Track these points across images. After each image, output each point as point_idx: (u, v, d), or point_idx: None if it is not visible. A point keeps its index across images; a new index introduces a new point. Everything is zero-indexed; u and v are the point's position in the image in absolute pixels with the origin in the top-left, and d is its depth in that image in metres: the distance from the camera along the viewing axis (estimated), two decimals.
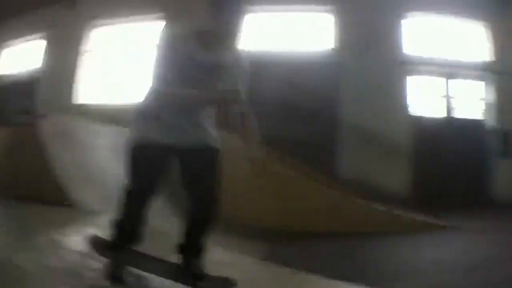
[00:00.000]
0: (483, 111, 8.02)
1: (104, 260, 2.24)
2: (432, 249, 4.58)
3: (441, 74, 7.86)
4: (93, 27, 8.45)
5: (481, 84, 8.00)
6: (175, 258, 2.26)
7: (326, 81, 7.20)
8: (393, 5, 7.55)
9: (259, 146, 2.27)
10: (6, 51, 9.41)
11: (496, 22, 7.74)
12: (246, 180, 4.99)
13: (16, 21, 8.68)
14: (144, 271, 2.26)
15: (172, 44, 2.04)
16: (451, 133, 7.73)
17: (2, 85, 9.06)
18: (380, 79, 7.29)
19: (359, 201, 5.51)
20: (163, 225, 3.61)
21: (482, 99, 8.03)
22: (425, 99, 7.90)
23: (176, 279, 2.22)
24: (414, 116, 7.65)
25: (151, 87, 2.10)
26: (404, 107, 7.53)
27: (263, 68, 6.56)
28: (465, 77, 7.97)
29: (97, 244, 2.41)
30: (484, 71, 7.85)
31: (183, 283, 2.19)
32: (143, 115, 2.12)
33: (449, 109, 7.94)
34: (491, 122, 7.89)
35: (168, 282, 2.25)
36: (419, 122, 7.66)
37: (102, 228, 2.86)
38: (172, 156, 2.12)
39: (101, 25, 8.44)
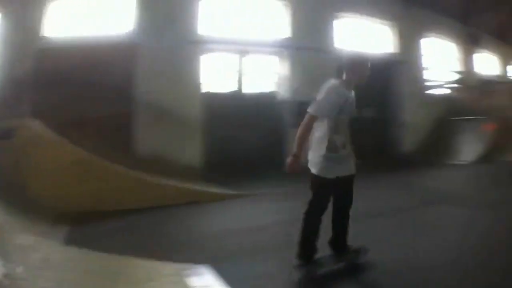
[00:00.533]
0: (276, 84, 8.92)
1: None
2: (225, 217, 5.13)
3: (236, 52, 8.51)
4: None
5: (275, 59, 8.92)
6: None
7: (123, 62, 7.24)
8: None
9: None
10: None
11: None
12: (48, 164, 5.20)
13: None
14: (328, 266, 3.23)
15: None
16: (243, 106, 8.37)
17: None
18: (175, 58, 7.59)
19: (153, 178, 5.83)
20: None
21: (275, 73, 8.94)
22: (220, 76, 8.44)
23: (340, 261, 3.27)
24: (207, 92, 8.09)
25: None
26: (197, 84, 7.90)
27: (67, 52, 6.81)
28: (259, 53, 8.75)
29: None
30: (278, 47, 8.75)
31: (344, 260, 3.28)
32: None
33: (241, 84, 8.61)
34: (284, 94, 8.81)
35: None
36: (212, 98, 8.09)
37: None
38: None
39: None
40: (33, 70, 6.75)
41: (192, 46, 7.82)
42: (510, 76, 15.92)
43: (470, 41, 13.11)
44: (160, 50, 7.44)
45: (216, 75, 8.47)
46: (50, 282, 2.79)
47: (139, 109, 7.33)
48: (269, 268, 3.38)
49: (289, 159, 2.98)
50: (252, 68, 8.82)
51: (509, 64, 15.91)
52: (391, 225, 4.46)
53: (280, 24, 8.95)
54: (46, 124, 5.94)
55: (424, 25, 11.38)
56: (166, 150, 7.23)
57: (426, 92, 11.49)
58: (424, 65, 11.47)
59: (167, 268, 3.37)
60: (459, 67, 12.85)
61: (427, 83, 11.57)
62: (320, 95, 3.05)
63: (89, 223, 4.92)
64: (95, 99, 6.81)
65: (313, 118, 3.02)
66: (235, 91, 8.65)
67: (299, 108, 8.23)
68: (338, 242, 3.27)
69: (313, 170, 3.09)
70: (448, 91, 12.38)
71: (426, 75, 11.56)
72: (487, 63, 14.59)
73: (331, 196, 3.14)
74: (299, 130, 3.03)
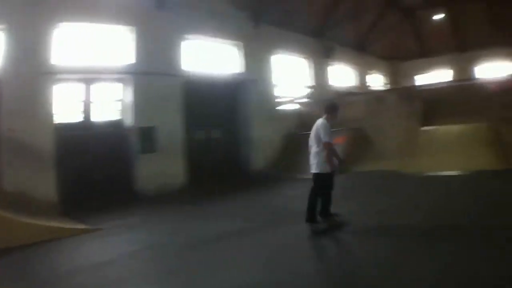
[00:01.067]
0: (121, 112, 9.02)
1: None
2: (75, 252, 5.11)
3: (82, 81, 8.48)
4: None
5: (119, 86, 9.03)
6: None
7: None
8: (47, 17, 7.69)
9: None
10: None
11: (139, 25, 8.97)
12: None
13: None
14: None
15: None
16: (91, 136, 8.41)
17: None
18: (30, 90, 7.47)
19: (17, 216, 5.66)
20: None
21: (120, 100, 9.05)
22: (68, 106, 8.38)
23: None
24: (58, 123, 7.96)
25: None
26: (49, 115, 7.78)
27: None
28: (105, 81, 8.80)
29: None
30: (122, 74, 8.85)
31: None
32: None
33: (87, 113, 8.57)
34: (128, 121, 8.95)
35: None
36: (62, 129, 7.99)
37: None
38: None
39: None
40: None
41: (45, 77, 7.66)
42: (369, 86, 17.22)
43: (324, 54, 14.02)
44: (19, 84, 7.26)
45: (66, 105, 8.29)
46: None
47: (2, 146, 7.03)
48: None
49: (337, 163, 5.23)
50: (99, 96, 8.74)
51: (368, 74, 17.27)
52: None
53: (126, 51, 8.95)
54: None
55: (274, 42, 12.28)
56: (26, 187, 7.05)
57: (276, 108, 12.29)
58: (273, 82, 12.31)
59: None
60: (311, 81, 13.88)
61: (277, 100, 12.37)
62: (325, 129, 5.15)
63: None
64: None
65: (332, 143, 5.22)
66: (83, 121, 8.48)
67: (143, 133, 8.78)
68: (325, 212, 5.38)
69: (317, 170, 5.27)
70: (298, 106, 13.23)
71: (276, 91, 12.40)
72: (344, 75, 15.77)
73: (327, 182, 5.34)
74: (334, 149, 5.25)
